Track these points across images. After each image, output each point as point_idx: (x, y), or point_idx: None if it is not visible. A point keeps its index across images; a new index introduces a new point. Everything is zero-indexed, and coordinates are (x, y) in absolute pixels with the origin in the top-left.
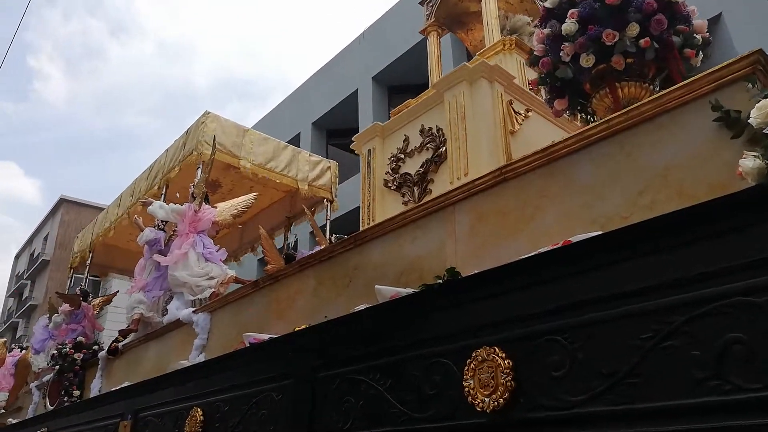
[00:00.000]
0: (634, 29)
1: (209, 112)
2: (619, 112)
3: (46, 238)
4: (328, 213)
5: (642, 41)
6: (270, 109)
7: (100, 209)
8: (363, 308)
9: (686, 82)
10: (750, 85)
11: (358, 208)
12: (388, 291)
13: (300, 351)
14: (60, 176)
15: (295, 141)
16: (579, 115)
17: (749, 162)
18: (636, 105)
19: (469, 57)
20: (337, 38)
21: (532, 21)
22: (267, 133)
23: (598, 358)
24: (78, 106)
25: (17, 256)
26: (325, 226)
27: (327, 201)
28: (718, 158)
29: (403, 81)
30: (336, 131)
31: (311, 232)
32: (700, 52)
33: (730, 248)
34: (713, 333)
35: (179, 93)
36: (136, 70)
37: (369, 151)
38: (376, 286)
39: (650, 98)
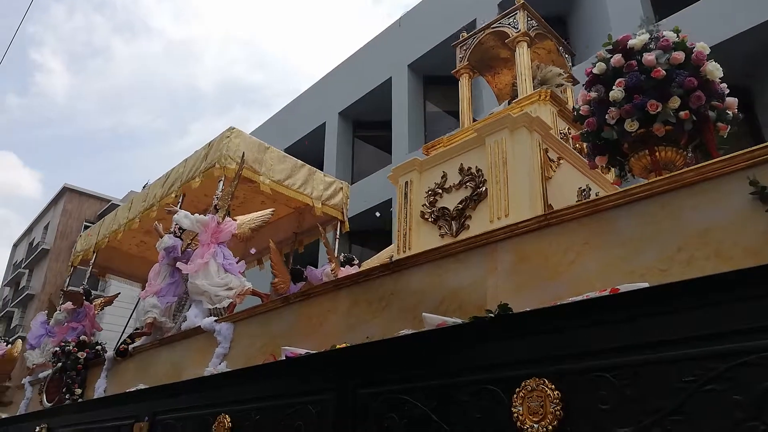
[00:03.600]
0: (676, 102)
1: (234, 128)
2: (664, 176)
3: (46, 227)
4: (338, 232)
5: (682, 113)
6: (294, 97)
7: (104, 200)
8: (409, 332)
9: (726, 156)
10: None
11: (375, 206)
12: (434, 319)
13: (342, 367)
14: (61, 170)
15: (320, 131)
16: (613, 170)
17: None
18: (680, 171)
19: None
20: (339, 54)
21: (562, 74)
22: (289, 121)
23: (644, 395)
24: (81, 103)
25: (16, 245)
26: (334, 245)
27: (338, 220)
28: (753, 226)
29: (440, 71)
30: (363, 123)
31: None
32: (729, 127)
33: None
34: (752, 380)
35: (183, 95)
36: (140, 69)
37: (406, 183)
38: (424, 313)
39: (694, 166)
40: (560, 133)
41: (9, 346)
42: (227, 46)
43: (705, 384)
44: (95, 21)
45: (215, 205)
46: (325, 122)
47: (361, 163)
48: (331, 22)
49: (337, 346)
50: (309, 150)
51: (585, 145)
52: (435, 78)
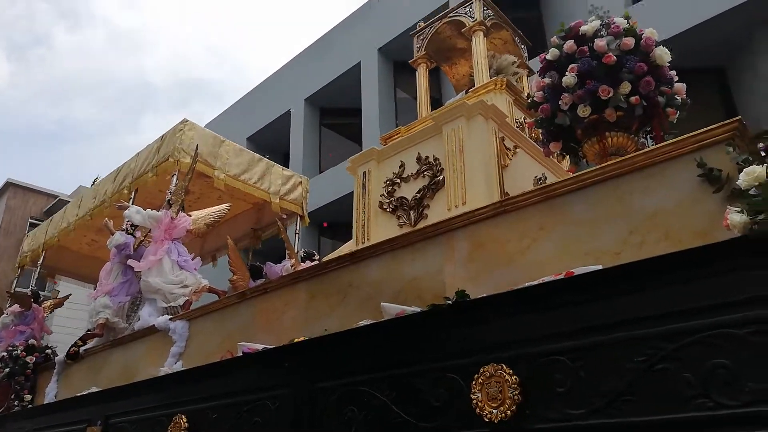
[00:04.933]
0: (626, 87)
1: (187, 120)
2: (614, 161)
3: None
4: (297, 227)
5: (633, 98)
6: (258, 83)
7: (51, 196)
8: (368, 323)
9: (674, 140)
10: (730, 149)
11: (343, 197)
12: (393, 308)
13: (301, 361)
14: (2, 165)
15: (285, 119)
16: (567, 157)
17: (737, 216)
18: (630, 156)
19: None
20: (297, 43)
21: (515, 62)
22: (253, 108)
23: (597, 377)
24: (22, 93)
25: None
26: (294, 240)
27: (297, 215)
28: (701, 207)
29: (411, 56)
30: (331, 110)
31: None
32: (679, 112)
33: (717, 288)
34: (700, 359)
35: (133, 88)
36: (85, 59)
37: (364, 173)
38: (382, 303)
39: (643, 151)
40: (516, 122)
41: None
42: (179, 37)
43: (655, 364)
44: (38, 8)
45: (168, 200)
46: (290, 109)
47: (329, 152)
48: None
49: (295, 340)
50: (273, 139)
51: (540, 132)
52: (406, 64)
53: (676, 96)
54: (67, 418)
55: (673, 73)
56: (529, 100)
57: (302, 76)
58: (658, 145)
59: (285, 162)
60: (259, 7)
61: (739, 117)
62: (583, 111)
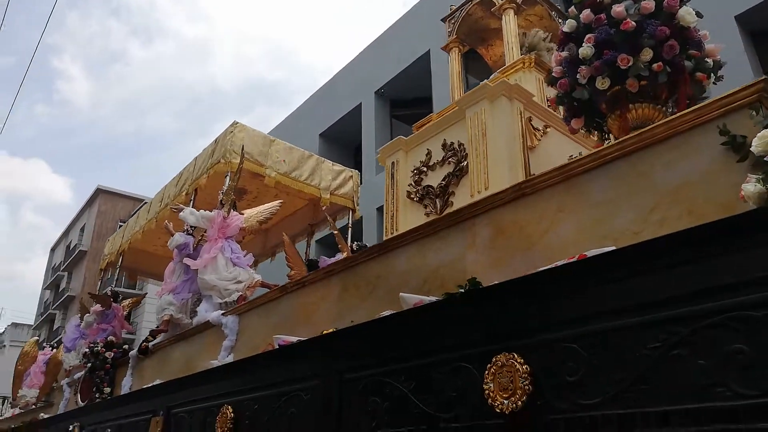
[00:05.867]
0: (647, 54)
1: (237, 122)
2: (633, 134)
3: (82, 229)
4: (350, 221)
5: (655, 65)
6: (325, 81)
7: (138, 200)
8: (388, 314)
9: (696, 107)
10: (754, 113)
11: None
12: (411, 299)
13: (328, 353)
14: (90, 175)
15: (356, 112)
16: (595, 133)
17: (751, 186)
18: (649, 127)
19: (483, 75)
20: (363, 40)
21: (547, 37)
22: (323, 104)
23: (610, 365)
24: (103, 109)
25: (53, 249)
26: (346, 233)
27: (349, 209)
28: (726, 179)
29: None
30: (401, 101)
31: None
32: (712, 75)
33: (734, 266)
34: (717, 344)
35: (203, 95)
36: (157, 72)
37: (393, 163)
38: (401, 293)
39: (662, 121)
40: (548, 99)
41: (54, 350)
42: (243, 44)
43: (669, 350)
44: (111, 26)
45: (221, 200)
46: (360, 103)
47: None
48: (348, 13)
49: (323, 332)
50: (345, 133)
51: (561, 107)
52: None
53: (706, 59)
54: (136, 409)
55: (705, 33)
56: (549, 76)
57: (371, 69)
58: (678, 114)
59: (357, 155)
60: (321, 7)
61: (764, 77)
62: (602, 83)
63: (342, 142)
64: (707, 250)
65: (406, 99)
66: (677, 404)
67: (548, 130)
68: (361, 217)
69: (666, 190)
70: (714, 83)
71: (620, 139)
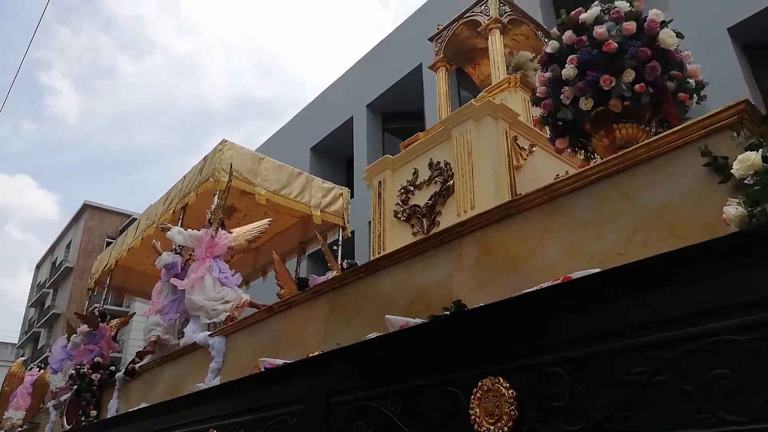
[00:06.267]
0: (629, 75)
1: (226, 141)
2: (615, 155)
3: (68, 246)
4: (340, 238)
5: (637, 86)
6: (317, 94)
7: (126, 215)
8: (374, 336)
9: (678, 128)
10: (734, 134)
11: None
12: (397, 321)
13: (314, 376)
14: (77, 191)
15: (348, 126)
16: (581, 152)
17: (732, 209)
18: (631, 148)
19: (475, 90)
20: (354, 55)
21: (534, 58)
22: (314, 118)
23: (594, 390)
24: (91, 124)
25: (38, 266)
26: (336, 251)
27: (339, 227)
28: (708, 201)
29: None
30: (393, 115)
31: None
32: (694, 96)
33: (715, 290)
34: (700, 369)
35: (192, 111)
36: (146, 87)
37: (380, 182)
38: (387, 316)
39: (644, 142)
40: (534, 119)
41: (41, 371)
42: (233, 59)
43: (654, 375)
44: (100, 41)
45: (209, 219)
46: (352, 116)
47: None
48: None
49: (309, 355)
50: (336, 147)
51: (546, 127)
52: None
53: (688, 80)
54: None
55: (687, 54)
56: (533, 97)
57: (363, 82)
58: (660, 135)
59: (349, 169)
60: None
61: (745, 98)
62: (585, 104)
63: (333, 155)
64: (689, 273)
65: (399, 112)
66: (663, 430)
67: (534, 149)
68: (353, 231)
69: (649, 212)
70: (697, 103)
71: (603, 160)
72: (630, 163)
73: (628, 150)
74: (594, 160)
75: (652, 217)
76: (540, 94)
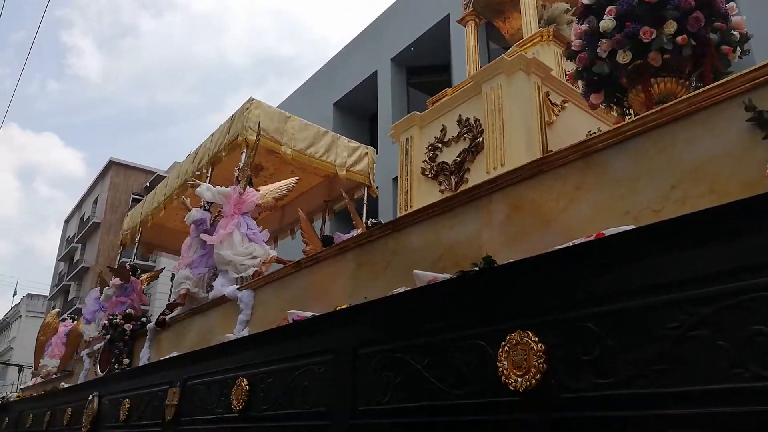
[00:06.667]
0: (671, 26)
1: (253, 99)
2: (654, 109)
3: (95, 202)
4: (366, 197)
5: (679, 38)
6: (343, 46)
7: (150, 172)
8: (403, 290)
9: (722, 81)
10: None
11: None
12: (425, 276)
13: (342, 329)
14: (102, 148)
15: (372, 81)
16: (615, 108)
17: None
18: (671, 103)
19: (504, 44)
20: (378, 8)
21: (569, 9)
22: (338, 73)
23: (626, 345)
24: (114, 83)
25: (67, 221)
26: (362, 210)
27: (365, 185)
28: (750, 156)
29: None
30: (419, 68)
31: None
32: (738, 49)
33: (757, 247)
34: (737, 325)
35: (215, 69)
36: (169, 46)
37: (407, 140)
38: (415, 271)
39: (685, 96)
40: (567, 74)
41: (74, 322)
42: (254, 17)
43: (689, 330)
44: (119, 0)
45: (237, 177)
46: (376, 70)
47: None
48: None
49: (337, 308)
50: (360, 103)
51: (580, 82)
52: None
53: (732, 32)
54: (154, 380)
55: (731, 5)
56: (568, 50)
57: (387, 35)
58: (702, 89)
59: (373, 125)
60: None
61: None
62: (623, 57)
63: (357, 111)
64: (731, 230)
65: (424, 66)
66: (694, 385)
67: (567, 105)
68: (377, 187)
69: (688, 168)
70: (740, 57)
71: (641, 115)
72: (669, 118)
73: (667, 104)
74: (629, 116)
75: (691, 173)
76: (575, 48)
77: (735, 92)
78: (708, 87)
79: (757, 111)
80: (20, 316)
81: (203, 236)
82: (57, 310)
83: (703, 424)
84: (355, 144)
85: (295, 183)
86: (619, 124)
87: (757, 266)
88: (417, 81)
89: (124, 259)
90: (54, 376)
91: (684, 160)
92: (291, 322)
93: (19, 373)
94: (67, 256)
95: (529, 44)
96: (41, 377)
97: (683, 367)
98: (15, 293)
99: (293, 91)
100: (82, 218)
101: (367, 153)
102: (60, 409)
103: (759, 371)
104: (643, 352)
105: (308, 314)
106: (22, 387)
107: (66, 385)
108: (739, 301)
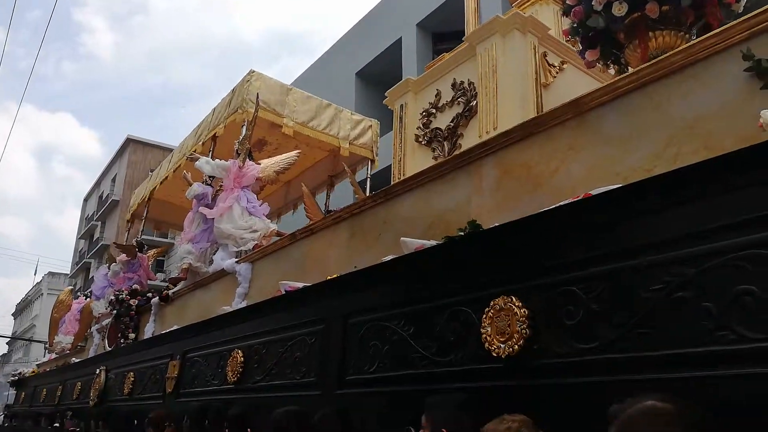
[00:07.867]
0: None
1: (254, 71)
2: (648, 63)
3: (114, 180)
4: (369, 171)
5: None
6: (366, 13)
7: (168, 150)
8: (389, 259)
9: (718, 30)
10: None
11: None
12: (412, 243)
13: (332, 298)
14: (118, 128)
15: (396, 48)
16: (613, 68)
17: None
18: (666, 55)
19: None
20: None
21: None
22: (360, 41)
23: (610, 309)
24: (128, 62)
25: (86, 199)
26: (365, 183)
27: (368, 159)
28: (748, 109)
29: None
30: (446, 34)
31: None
32: None
33: (745, 202)
34: (724, 285)
35: (229, 47)
36: (181, 24)
37: (401, 106)
38: (402, 238)
39: (681, 48)
40: (564, 33)
41: (87, 299)
42: None
43: (673, 292)
44: None
45: (236, 150)
46: (401, 37)
47: None
48: None
49: (328, 278)
50: (384, 71)
51: (576, 39)
52: None
53: None
54: (156, 353)
55: None
56: (563, 4)
57: (412, 0)
58: (698, 39)
59: None
60: None
61: None
62: (619, 9)
63: (380, 81)
64: (716, 186)
65: (452, 32)
66: (678, 348)
67: (565, 66)
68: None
69: (683, 124)
70: (745, 6)
71: (635, 70)
72: (665, 72)
73: (662, 57)
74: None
75: (686, 128)
76: (570, 1)
77: (732, 42)
78: (704, 36)
79: (755, 60)
80: (42, 294)
81: (203, 210)
82: (70, 287)
83: (683, 388)
84: (358, 117)
85: (297, 156)
86: (612, 81)
87: (747, 222)
88: (444, 47)
89: (142, 237)
90: (68, 352)
91: (679, 115)
92: (283, 292)
93: (45, 350)
94: (87, 234)
95: (528, 3)
96: (56, 353)
97: (666, 330)
98: (36, 272)
99: (313, 62)
100: (101, 196)
101: (370, 126)
102: (71, 382)
103: (743, 332)
104: (626, 316)
105: (299, 285)
106: (37, 363)
107: (77, 360)
108: (727, 260)
